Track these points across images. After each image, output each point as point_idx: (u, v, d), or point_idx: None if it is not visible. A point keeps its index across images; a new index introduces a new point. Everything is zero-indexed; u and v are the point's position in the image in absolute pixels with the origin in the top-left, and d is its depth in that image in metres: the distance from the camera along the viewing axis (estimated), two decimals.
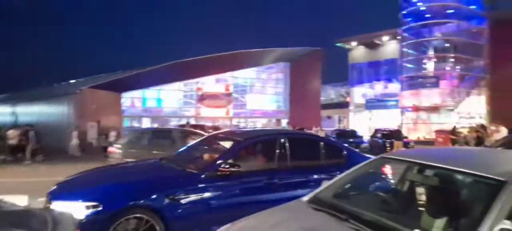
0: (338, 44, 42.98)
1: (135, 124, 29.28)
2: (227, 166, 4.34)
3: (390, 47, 39.41)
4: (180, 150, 5.90)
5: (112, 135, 18.80)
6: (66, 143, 19.24)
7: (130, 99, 28.96)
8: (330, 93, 52.25)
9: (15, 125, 17.21)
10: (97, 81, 26.27)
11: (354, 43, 42.38)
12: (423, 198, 2.90)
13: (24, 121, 27.43)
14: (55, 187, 4.37)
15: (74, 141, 18.22)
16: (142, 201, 3.95)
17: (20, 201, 3.65)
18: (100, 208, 3.74)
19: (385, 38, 39.39)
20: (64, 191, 4.21)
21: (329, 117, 44.32)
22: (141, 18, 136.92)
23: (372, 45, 41.11)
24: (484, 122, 29.01)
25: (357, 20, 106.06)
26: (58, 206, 3.73)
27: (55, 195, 4.06)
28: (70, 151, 18.06)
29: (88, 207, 3.71)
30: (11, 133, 15.49)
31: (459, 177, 2.79)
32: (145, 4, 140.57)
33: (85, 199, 3.80)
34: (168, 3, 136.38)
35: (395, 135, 21.96)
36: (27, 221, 2.17)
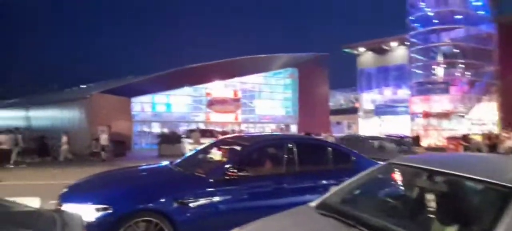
0: (346, 50, 42.82)
1: (145, 129, 29.45)
2: (235, 171, 4.36)
3: (398, 52, 39.12)
4: (188, 154, 5.93)
5: (103, 138, 18.69)
6: (79, 146, 19.42)
7: (140, 104, 29.15)
8: (339, 99, 52.02)
9: (7, 130, 17.07)
10: (107, 87, 26.59)
11: (362, 49, 42.16)
12: (433, 205, 2.83)
13: (25, 125, 27.92)
14: (66, 190, 4.43)
15: (64, 146, 18.20)
16: (151, 205, 3.98)
17: (33, 203, 3.69)
18: (110, 211, 3.79)
19: (393, 44, 39.12)
20: (75, 194, 4.27)
21: (338, 123, 44.08)
22: (150, 25, 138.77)
23: (380, 51, 40.86)
24: (495, 128, 28.63)
25: (364, 26, 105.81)
26: (69, 208, 3.74)
27: (66, 198, 4.12)
28: (61, 156, 17.95)
29: (98, 210, 3.77)
30: (2, 137, 15.34)
31: (470, 183, 2.73)
32: (154, 11, 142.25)
33: (95, 202, 3.86)
34: (177, 10, 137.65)
35: (413, 141, 21.79)
36: (36, 221, 2.19)
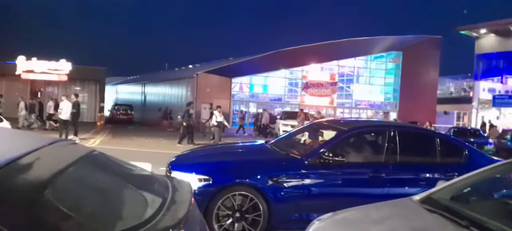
0: (463, 32, 37.91)
1: (243, 108, 30.77)
2: (330, 155, 4.28)
3: None
4: (282, 135, 6.01)
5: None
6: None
7: (239, 84, 30.41)
8: (449, 87, 46.80)
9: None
10: (211, 67, 28.37)
11: (483, 31, 36.86)
12: None
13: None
14: (174, 159, 4.89)
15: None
16: (247, 180, 4.17)
17: (145, 167, 4.17)
18: (210, 182, 4.08)
19: None
20: (181, 163, 4.69)
21: (446, 113, 39.74)
22: (251, 9, 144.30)
23: (505, 33, 35.24)
24: None
25: (487, 5, 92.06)
26: (177, 175, 4.10)
27: (174, 166, 4.55)
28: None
29: (200, 180, 4.09)
30: None
31: None
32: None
33: (198, 172, 4.18)
34: None
35: None
36: (152, 184, 2.42)
